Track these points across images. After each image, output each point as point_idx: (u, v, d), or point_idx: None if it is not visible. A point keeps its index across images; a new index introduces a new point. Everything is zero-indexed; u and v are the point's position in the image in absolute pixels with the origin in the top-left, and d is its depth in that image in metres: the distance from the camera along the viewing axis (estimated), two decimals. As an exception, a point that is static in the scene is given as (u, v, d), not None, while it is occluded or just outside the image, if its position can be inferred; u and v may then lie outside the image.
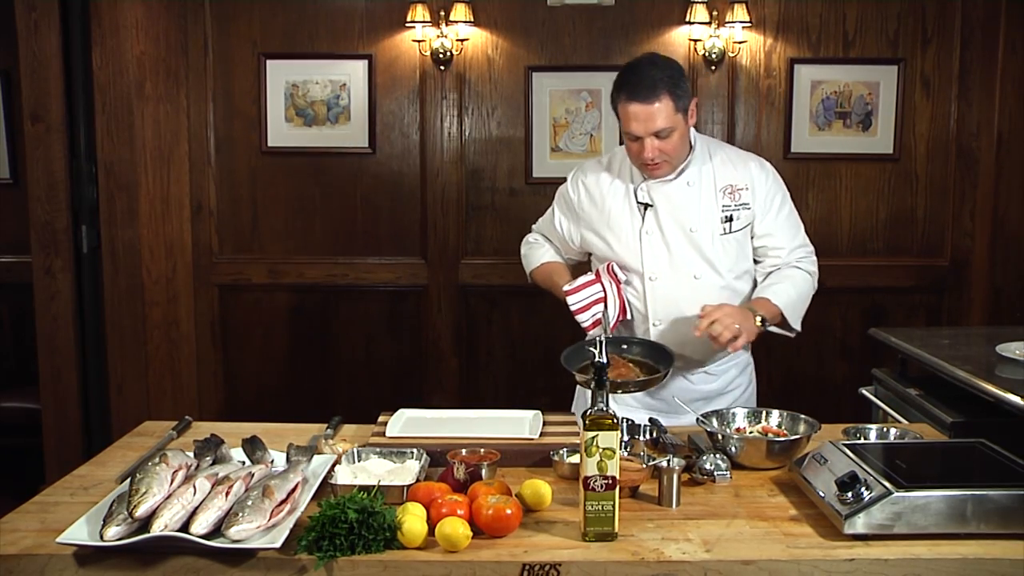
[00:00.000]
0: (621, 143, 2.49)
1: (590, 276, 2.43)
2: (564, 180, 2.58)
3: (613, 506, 1.63)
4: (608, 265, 2.42)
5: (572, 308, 2.38)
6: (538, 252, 2.66)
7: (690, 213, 2.37)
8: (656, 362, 2.28)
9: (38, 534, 1.65)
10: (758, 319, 2.28)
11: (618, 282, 2.40)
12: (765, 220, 2.41)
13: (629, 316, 2.44)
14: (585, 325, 2.39)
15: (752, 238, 2.43)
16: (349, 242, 4.24)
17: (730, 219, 2.37)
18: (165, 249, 4.05)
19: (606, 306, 2.37)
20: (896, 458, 1.83)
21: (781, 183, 2.47)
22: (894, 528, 1.61)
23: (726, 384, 2.53)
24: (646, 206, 2.39)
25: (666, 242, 2.38)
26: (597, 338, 1.92)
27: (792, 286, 2.38)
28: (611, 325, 2.37)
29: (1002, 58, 4.05)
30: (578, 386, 2.60)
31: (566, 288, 2.40)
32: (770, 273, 2.44)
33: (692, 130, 2.38)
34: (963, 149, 4.13)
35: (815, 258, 2.49)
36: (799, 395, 4.17)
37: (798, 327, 2.42)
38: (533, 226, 2.74)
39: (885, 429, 2.22)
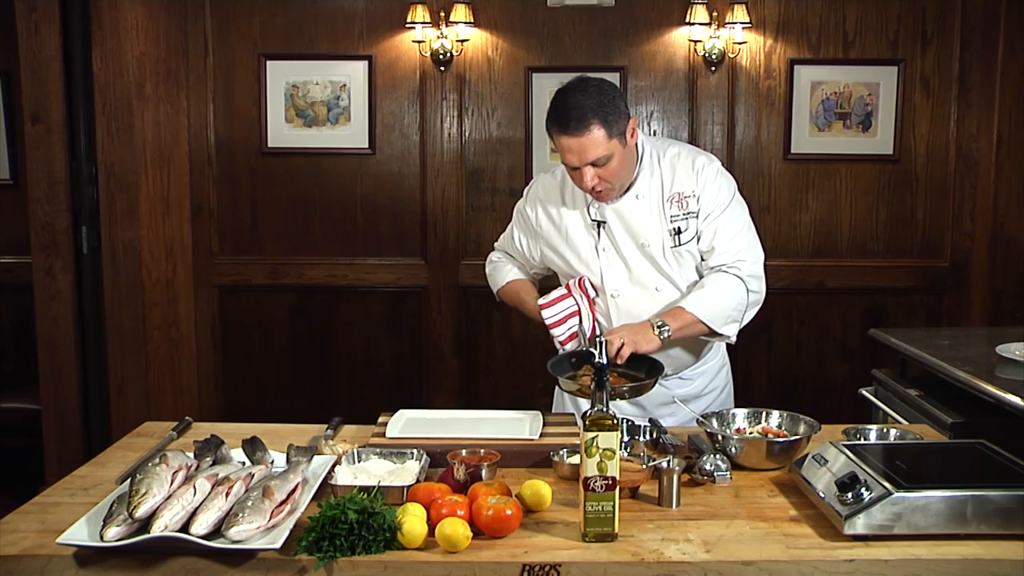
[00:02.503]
0: None
1: (562, 291, 2.40)
2: None
3: (613, 507, 1.63)
4: (580, 280, 2.40)
5: (547, 322, 2.35)
6: (503, 270, 2.63)
7: (641, 227, 2.34)
8: (638, 371, 2.25)
9: (38, 535, 1.65)
10: (658, 330, 2.23)
11: (590, 297, 2.37)
12: (706, 221, 2.34)
13: (598, 332, 2.39)
14: (561, 339, 2.36)
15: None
16: (349, 242, 4.24)
17: (679, 231, 2.33)
18: (165, 250, 4.05)
19: (580, 320, 2.35)
20: (896, 459, 1.83)
21: (729, 184, 2.38)
22: (894, 529, 1.61)
23: (702, 387, 2.52)
24: (599, 223, 2.37)
25: (623, 258, 2.37)
26: (597, 338, 1.92)
27: (709, 293, 2.29)
28: (587, 338, 2.35)
29: (1002, 59, 4.06)
30: (557, 390, 2.58)
31: (541, 302, 2.38)
32: (702, 276, 2.37)
33: (640, 135, 2.34)
34: (963, 150, 4.13)
35: (760, 266, 2.37)
36: (799, 395, 4.18)
37: (728, 333, 2.34)
38: (495, 243, 2.71)
39: (885, 430, 2.22)
